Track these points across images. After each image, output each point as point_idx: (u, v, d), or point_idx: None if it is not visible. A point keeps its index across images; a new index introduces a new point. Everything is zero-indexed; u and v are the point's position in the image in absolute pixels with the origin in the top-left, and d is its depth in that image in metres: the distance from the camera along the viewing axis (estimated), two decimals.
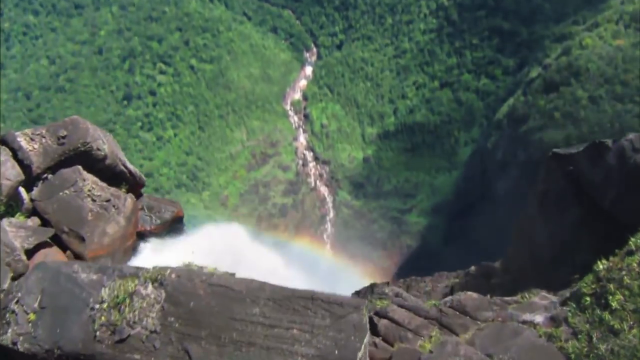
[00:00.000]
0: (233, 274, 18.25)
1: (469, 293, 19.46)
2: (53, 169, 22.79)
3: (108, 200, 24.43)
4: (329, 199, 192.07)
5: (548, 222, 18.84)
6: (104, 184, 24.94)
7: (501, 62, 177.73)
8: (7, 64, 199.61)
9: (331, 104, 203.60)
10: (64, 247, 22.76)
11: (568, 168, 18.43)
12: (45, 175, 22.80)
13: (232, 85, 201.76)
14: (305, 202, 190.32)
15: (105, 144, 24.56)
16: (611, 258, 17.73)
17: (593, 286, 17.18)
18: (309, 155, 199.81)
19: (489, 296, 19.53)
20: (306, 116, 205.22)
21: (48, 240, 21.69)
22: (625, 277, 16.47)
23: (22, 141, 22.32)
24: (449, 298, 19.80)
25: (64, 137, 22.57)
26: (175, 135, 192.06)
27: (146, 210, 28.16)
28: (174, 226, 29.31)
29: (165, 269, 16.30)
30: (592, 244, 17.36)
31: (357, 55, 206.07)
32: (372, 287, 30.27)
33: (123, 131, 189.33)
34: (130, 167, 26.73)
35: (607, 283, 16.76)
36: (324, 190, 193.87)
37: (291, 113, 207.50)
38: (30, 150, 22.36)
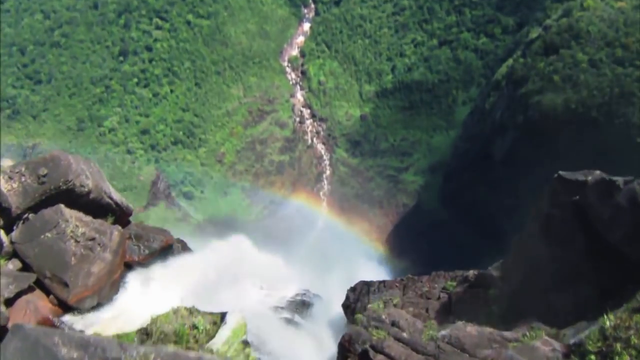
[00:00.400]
0: None
1: (469, 328, 18.90)
2: (34, 208, 21.79)
3: (93, 239, 23.66)
4: (325, 157, 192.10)
5: (551, 246, 18.65)
6: (89, 218, 24.23)
7: (501, 20, 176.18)
8: (1, 18, 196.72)
9: (329, 60, 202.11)
10: (46, 291, 22.10)
11: (575, 197, 18.20)
12: (26, 215, 21.78)
13: (229, 41, 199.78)
14: (302, 160, 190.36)
15: (89, 177, 23.95)
16: (618, 313, 16.82)
17: (599, 344, 16.35)
18: (306, 113, 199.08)
19: (488, 330, 19.10)
20: (303, 73, 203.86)
21: (31, 284, 21.08)
22: (633, 337, 15.66)
23: (1, 181, 21.36)
24: (447, 332, 19.15)
25: (44, 176, 21.75)
26: (171, 91, 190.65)
27: (134, 240, 27.51)
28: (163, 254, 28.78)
29: (149, 353, 15.39)
30: (596, 276, 17.00)
31: (356, 12, 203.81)
32: (368, 286, 30.27)
33: (119, 87, 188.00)
34: (116, 197, 25.88)
35: (613, 342, 15.95)
36: (320, 147, 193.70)
37: (288, 70, 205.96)
38: (8, 190, 21.46)
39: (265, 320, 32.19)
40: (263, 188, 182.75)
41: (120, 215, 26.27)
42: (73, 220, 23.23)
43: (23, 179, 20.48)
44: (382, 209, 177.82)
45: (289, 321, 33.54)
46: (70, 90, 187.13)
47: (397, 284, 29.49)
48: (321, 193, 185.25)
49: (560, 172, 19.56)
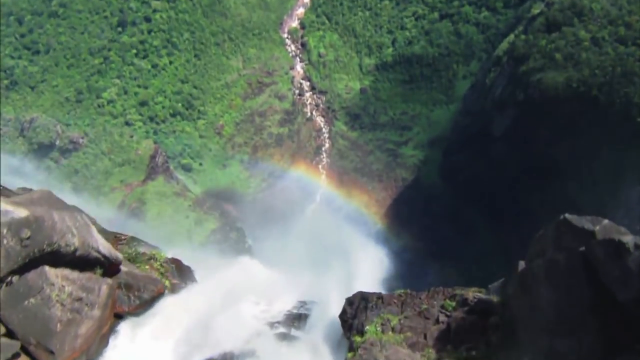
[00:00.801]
0: None
1: None
2: (17, 271, 20.79)
3: (80, 299, 23.11)
4: (325, 130, 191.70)
5: (555, 291, 18.35)
6: (76, 274, 23.54)
7: None
8: None
9: (329, 32, 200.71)
10: (32, 357, 21.52)
11: (581, 246, 17.81)
12: (9, 278, 20.84)
13: (229, 12, 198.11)
14: (301, 132, 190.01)
15: (75, 235, 22.82)
16: None
17: None
18: (306, 85, 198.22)
19: None
20: (303, 45, 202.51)
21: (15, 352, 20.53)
22: None
23: None
24: None
25: (27, 239, 20.34)
26: (170, 62, 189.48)
27: (124, 290, 26.87)
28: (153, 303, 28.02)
29: None
30: (602, 329, 16.55)
31: None
32: (366, 301, 30.07)
33: (117, 58, 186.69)
34: (104, 250, 25.12)
35: None
36: (320, 120, 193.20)
37: (288, 41, 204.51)
38: None
39: (261, 339, 32.24)
40: (262, 160, 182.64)
41: (108, 267, 25.60)
42: (59, 280, 22.41)
43: (5, 242, 19.16)
44: (381, 183, 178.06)
45: (285, 336, 33.56)
46: (68, 61, 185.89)
47: (395, 300, 29.25)
48: (320, 166, 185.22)
49: (567, 216, 19.07)
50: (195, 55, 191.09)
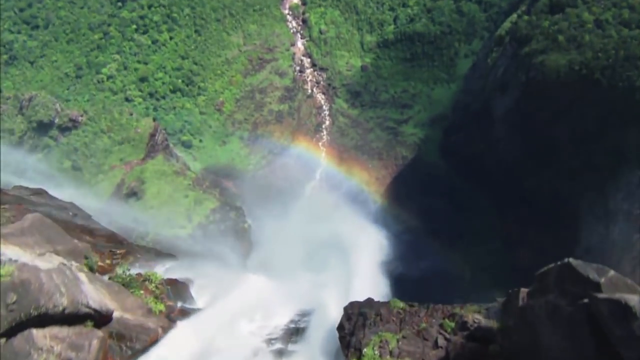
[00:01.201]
0: None
1: None
2: (3, 334, 20.18)
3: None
4: (325, 107, 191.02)
5: (557, 334, 18.00)
6: (65, 331, 22.95)
7: None
8: None
9: (330, 9, 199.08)
10: None
11: (584, 296, 17.43)
12: None
13: None
14: (301, 109, 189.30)
15: (64, 294, 22.23)
16: None
17: None
18: (307, 62, 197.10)
19: None
20: (304, 21, 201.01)
21: None
22: None
23: None
24: None
25: (13, 303, 19.80)
26: (170, 38, 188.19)
27: (116, 340, 26.31)
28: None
29: None
30: None
31: None
32: (364, 318, 29.92)
33: (117, 34, 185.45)
34: (95, 304, 24.64)
35: None
36: (320, 97, 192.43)
37: (289, 17, 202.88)
38: None
39: (258, 358, 32.20)
40: (262, 137, 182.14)
41: (100, 318, 25.21)
42: (47, 341, 21.81)
43: None
44: (381, 161, 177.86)
45: (283, 352, 33.53)
46: (68, 36, 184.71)
47: (394, 318, 29.13)
48: (320, 143, 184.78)
49: (571, 261, 18.48)
50: (196, 31, 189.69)
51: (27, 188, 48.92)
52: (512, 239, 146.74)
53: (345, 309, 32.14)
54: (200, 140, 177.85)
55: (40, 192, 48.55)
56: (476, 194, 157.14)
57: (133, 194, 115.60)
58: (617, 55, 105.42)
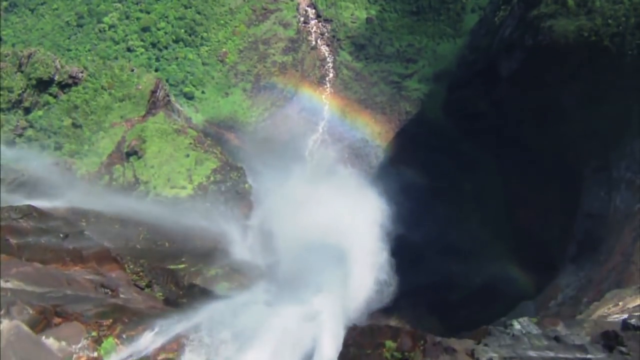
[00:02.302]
0: None
1: None
2: None
3: None
4: (329, 59, 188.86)
5: None
6: None
7: None
8: None
9: None
10: None
11: None
12: None
13: None
14: (305, 61, 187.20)
15: None
16: None
17: None
18: (311, 12, 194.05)
19: None
20: None
21: None
22: None
23: None
24: None
25: None
26: None
27: None
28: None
29: None
30: None
31: None
32: (369, 348, 29.89)
33: None
34: None
35: None
36: (324, 49, 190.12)
37: None
38: None
39: None
40: (265, 89, 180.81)
41: None
42: None
43: None
44: (384, 115, 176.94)
45: None
46: None
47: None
48: (323, 96, 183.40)
49: None
50: None
51: (15, 209, 47.92)
52: (514, 198, 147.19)
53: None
54: (203, 92, 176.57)
55: (29, 213, 48.06)
56: (479, 152, 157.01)
57: (134, 152, 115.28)
58: (628, 23, 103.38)
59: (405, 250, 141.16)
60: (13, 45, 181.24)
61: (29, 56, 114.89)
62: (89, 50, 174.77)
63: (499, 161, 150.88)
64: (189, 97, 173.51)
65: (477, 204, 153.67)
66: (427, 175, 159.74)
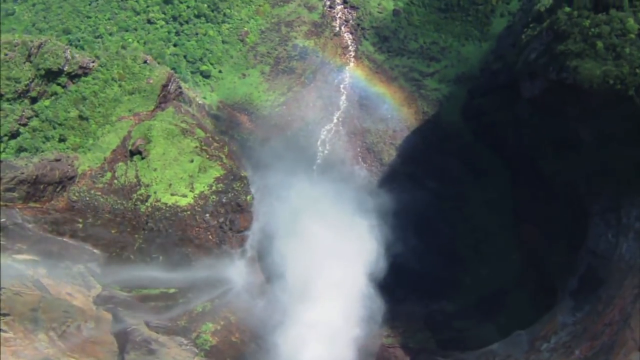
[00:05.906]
0: None
1: None
2: None
3: None
4: (352, 48, 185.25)
5: None
6: None
7: None
8: None
9: None
10: None
11: None
12: None
13: None
14: (327, 48, 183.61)
15: None
16: None
17: None
18: None
19: None
20: None
21: None
22: None
23: None
24: None
25: None
26: None
27: None
28: None
29: None
30: None
31: None
32: None
33: None
34: None
35: None
36: (348, 37, 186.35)
37: None
38: None
39: None
40: (283, 73, 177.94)
41: None
42: None
43: None
44: (401, 113, 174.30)
45: None
46: None
47: None
48: (342, 86, 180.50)
49: None
50: None
51: None
52: (522, 212, 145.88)
53: None
54: (220, 71, 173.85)
55: None
56: (492, 160, 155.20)
57: (138, 152, 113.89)
58: None
59: (404, 259, 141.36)
60: (33, 5, 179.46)
61: (39, 46, 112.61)
62: (109, 19, 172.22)
63: (512, 172, 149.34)
64: (206, 75, 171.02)
65: (484, 213, 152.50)
66: (438, 178, 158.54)
